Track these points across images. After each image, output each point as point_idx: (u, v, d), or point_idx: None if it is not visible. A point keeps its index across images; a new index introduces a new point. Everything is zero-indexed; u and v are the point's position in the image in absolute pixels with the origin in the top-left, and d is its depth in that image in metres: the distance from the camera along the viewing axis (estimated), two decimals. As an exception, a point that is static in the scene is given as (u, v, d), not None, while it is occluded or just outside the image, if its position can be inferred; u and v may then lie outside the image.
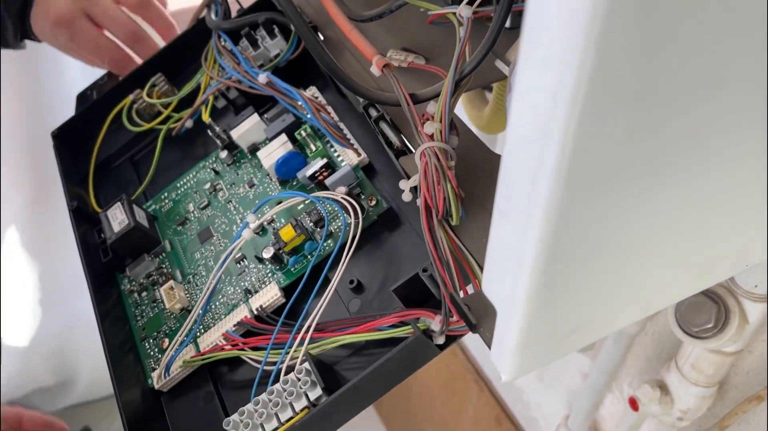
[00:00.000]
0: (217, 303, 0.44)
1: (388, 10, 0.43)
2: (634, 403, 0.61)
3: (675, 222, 0.23)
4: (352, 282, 0.41)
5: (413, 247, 0.41)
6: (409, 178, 0.36)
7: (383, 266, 0.42)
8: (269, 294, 0.42)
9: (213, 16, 0.53)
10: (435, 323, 0.34)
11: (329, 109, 0.48)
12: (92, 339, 1.16)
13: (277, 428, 0.35)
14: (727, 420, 0.57)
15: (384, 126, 0.39)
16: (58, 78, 0.82)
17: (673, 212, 0.23)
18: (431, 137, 0.35)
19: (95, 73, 0.61)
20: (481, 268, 0.32)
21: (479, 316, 0.30)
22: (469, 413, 1.17)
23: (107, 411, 1.18)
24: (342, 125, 0.47)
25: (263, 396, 0.36)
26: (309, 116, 0.45)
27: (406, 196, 0.36)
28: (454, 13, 0.38)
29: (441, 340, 0.35)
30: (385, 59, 0.38)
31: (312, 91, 0.50)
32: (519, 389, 1.02)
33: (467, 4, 0.37)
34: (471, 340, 1.09)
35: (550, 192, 0.19)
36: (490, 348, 0.28)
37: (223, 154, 0.50)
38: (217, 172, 0.51)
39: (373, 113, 0.39)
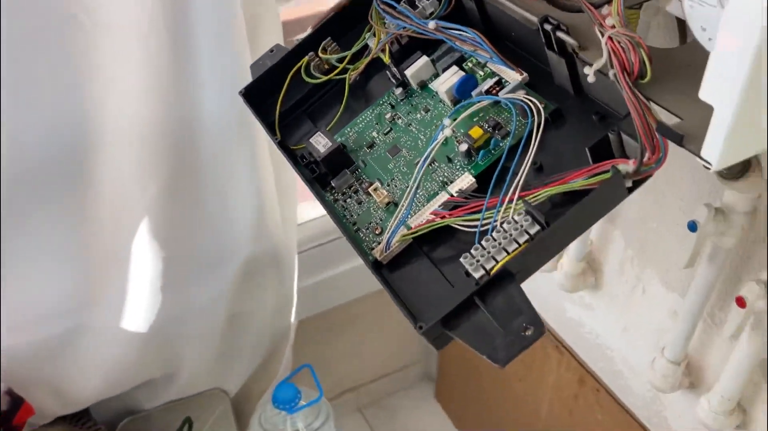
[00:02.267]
0: (419, 195, 0.54)
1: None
2: (741, 301, 0.70)
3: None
4: (535, 163, 0.51)
5: (583, 135, 0.51)
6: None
7: (558, 153, 0.52)
8: (465, 182, 0.52)
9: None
10: (630, 165, 0.44)
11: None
12: (200, 332, 1.26)
13: (505, 257, 0.45)
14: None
15: (561, 34, 0.50)
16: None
17: None
18: (612, 27, 0.46)
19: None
20: (672, 112, 0.42)
21: (682, 131, 0.40)
22: (550, 381, 1.24)
23: (207, 405, 1.26)
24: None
25: (489, 237, 0.46)
26: (474, 50, 0.57)
27: (591, 78, 0.47)
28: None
29: (629, 183, 0.45)
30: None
31: (470, 32, 0.61)
32: (603, 345, 1.10)
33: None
34: (549, 309, 1.18)
35: None
36: (699, 152, 0.38)
37: (398, 90, 0.61)
38: (393, 106, 0.62)
39: (548, 27, 0.50)
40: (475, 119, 0.55)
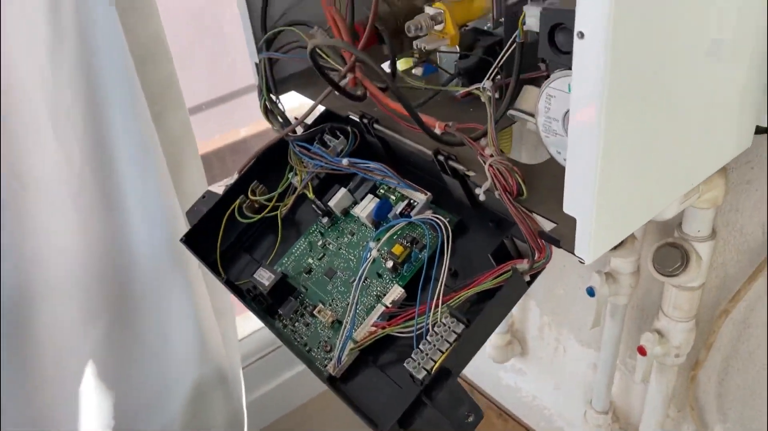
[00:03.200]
0: (359, 311, 0.62)
1: (428, 98, 0.67)
2: (642, 350, 0.81)
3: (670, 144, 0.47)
4: (450, 269, 0.61)
5: (483, 241, 0.62)
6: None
7: (467, 257, 0.62)
8: (395, 293, 0.61)
9: (290, 134, 0.75)
10: (525, 264, 0.55)
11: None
12: None
13: (441, 356, 0.54)
14: (710, 338, 0.79)
15: (452, 163, 0.61)
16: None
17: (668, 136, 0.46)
18: (490, 156, 0.57)
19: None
20: (548, 219, 0.53)
21: (559, 236, 0.51)
22: (499, 448, 1.31)
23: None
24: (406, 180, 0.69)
25: (424, 340, 0.55)
26: (383, 178, 0.67)
27: (482, 197, 0.58)
28: (478, 88, 0.62)
29: (528, 278, 0.56)
30: (444, 124, 0.61)
31: (376, 165, 0.72)
32: (540, 406, 1.19)
33: (488, 80, 0.61)
34: (486, 381, 1.26)
35: (601, 135, 0.41)
36: (573, 251, 0.49)
37: (324, 220, 0.71)
38: (322, 233, 0.71)
39: (441, 157, 0.61)
40: (395, 238, 0.65)
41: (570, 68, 0.49)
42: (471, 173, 0.61)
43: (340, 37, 0.68)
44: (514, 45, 0.57)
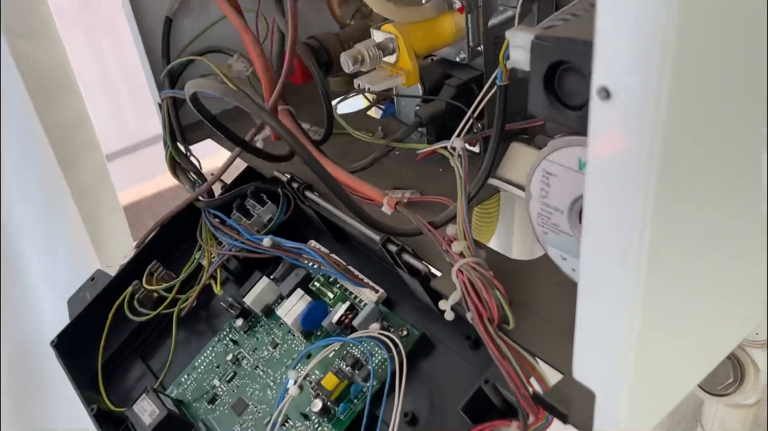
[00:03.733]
0: (272, 472, 0.43)
1: (375, 159, 0.48)
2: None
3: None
4: (406, 415, 0.41)
5: (456, 367, 0.42)
6: (446, 298, 0.38)
7: (430, 393, 0.43)
8: (325, 448, 0.42)
9: (201, 198, 0.55)
10: (513, 429, 0.35)
11: (333, 256, 0.50)
12: None
13: None
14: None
15: (407, 257, 0.41)
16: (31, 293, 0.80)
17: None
18: (461, 255, 0.38)
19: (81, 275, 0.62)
20: (551, 365, 0.34)
21: (566, 407, 0.31)
22: None
23: None
24: (350, 267, 0.49)
25: None
26: (319, 267, 0.48)
27: (449, 315, 0.38)
28: (445, 147, 0.42)
29: (519, 447, 0.36)
30: (396, 197, 0.41)
31: (313, 244, 0.52)
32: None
33: (457, 136, 0.41)
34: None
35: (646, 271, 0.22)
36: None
37: (238, 322, 0.51)
38: (235, 341, 0.51)
39: (392, 248, 0.42)
40: (328, 361, 0.45)
41: (581, 133, 0.30)
42: (435, 272, 0.41)
43: (260, 68, 0.49)
44: (494, 88, 0.37)
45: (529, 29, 0.33)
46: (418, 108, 0.48)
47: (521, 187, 0.41)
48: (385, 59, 0.45)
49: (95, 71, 1.14)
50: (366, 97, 0.45)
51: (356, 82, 0.45)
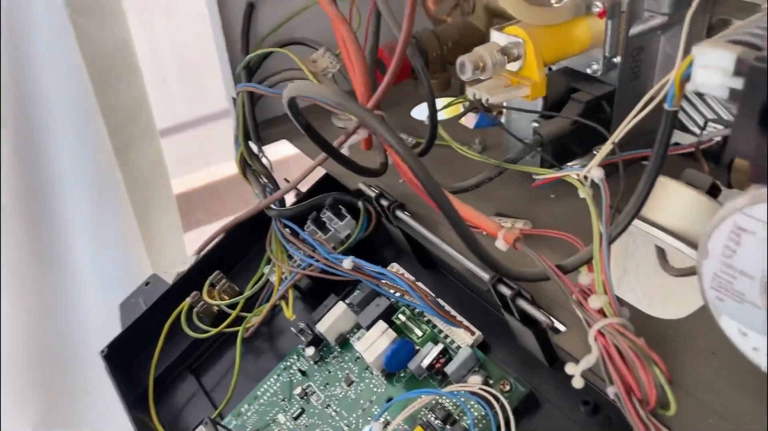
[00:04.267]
0: None
1: (487, 178, 0.41)
2: None
3: None
4: (509, 487, 0.35)
5: (567, 434, 0.36)
6: (576, 361, 0.32)
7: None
8: None
9: (273, 206, 0.50)
10: None
11: (420, 284, 0.44)
12: None
13: None
14: None
15: (523, 304, 0.35)
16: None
17: None
18: (600, 312, 0.31)
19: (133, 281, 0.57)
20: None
21: None
22: None
23: None
24: (440, 301, 0.43)
25: None
26: (411, 299, 0.42)
27: (578, 383, 0.32)
28: (578, 174, 0.36)
29: None
30: (516, 231, 0.35)
31: (396, 268, 0.46)
32: None
33: (597, 166, 0.35)
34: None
35: None
36: None
37: (309, 350, 0.45)
38: (303, 373, 0.45)
39: (505, 291, 0.36)
40: (416, 411, 0.39)
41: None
42: (556, 325, 0.35)
43: (352, 69, 0.43)
44: (650, 108, 0.31)
45: (730, 46, 0.26)
46: (537, 125, 0.42)
47: (671, 232, 0.34)
48: (507, 66, 0.38)
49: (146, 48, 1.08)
50: (482, 104, 0.38)
51: (470, 90, 0.39)
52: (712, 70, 0.26)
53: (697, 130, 0.43)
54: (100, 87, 0.71)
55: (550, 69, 0.44)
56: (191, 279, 0.52)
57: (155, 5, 1.04)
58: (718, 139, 0.40)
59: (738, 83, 0.25)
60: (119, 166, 0.75)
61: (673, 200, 0.35)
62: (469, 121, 0.55)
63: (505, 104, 0.44)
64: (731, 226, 0.26)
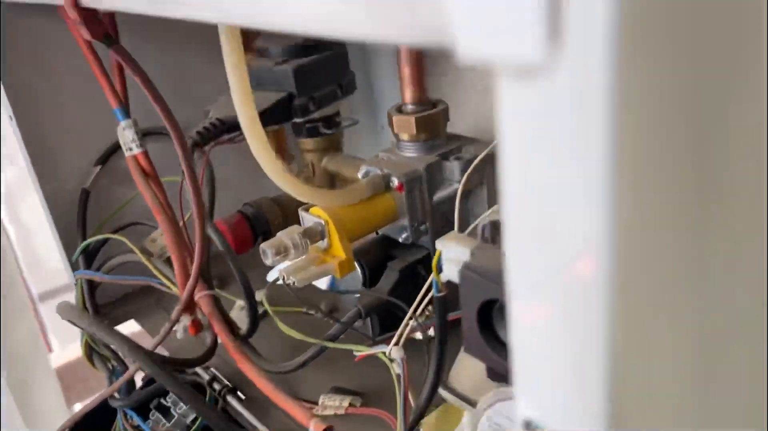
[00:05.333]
0: None
1: (309, 358, 0.41)
2: None
3: None
4: None
5: None
6: None
7: None
8: None
9: (116, 394, 0.48)
10: None
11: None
12: None
13: None
14: None
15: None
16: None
17: None
18: None
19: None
20: None
21: None
22: None
23: None
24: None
25: None
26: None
27: None
28: (384, 352, 0.36)
29: None
30: (322, 425, 0.34)
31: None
32: None
33: (395, 344, 0.35)
34: None
35: None
36: None
37: None
38: None
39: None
40: None
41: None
42: None
43: (171, 249, 0.43)
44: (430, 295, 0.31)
45: (466, 240, 0.27)
46: (357, 297, 0.42)
47: (472, 403, 0.34)
48: (315, 245, 0.39)
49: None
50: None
51: (279, 271, 0.39)
52: (453, 263, 0.27)
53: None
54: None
55: (377, 233, 0.45)
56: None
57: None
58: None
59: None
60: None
61: (471, 369, 0.35)
62: (323, 282, 0.56)
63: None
64: (488, 424, 0.26)
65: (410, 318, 0.35)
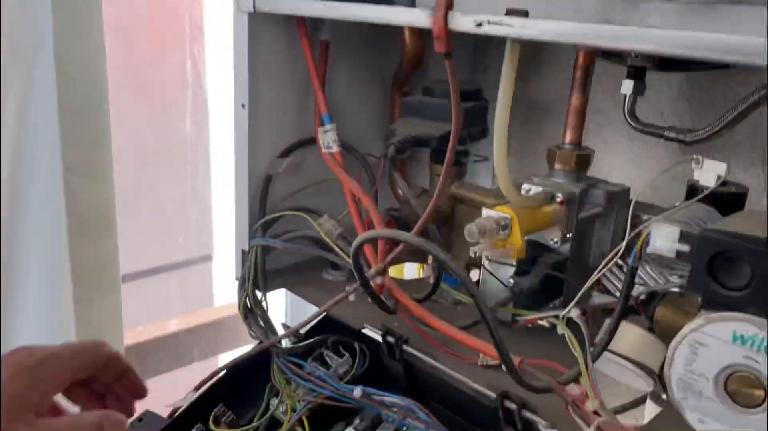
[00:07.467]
0: None
1: (482, 320, 0.52)
2: None
3: None
4: None
5: None
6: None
7: None
8: None
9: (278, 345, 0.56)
10: None
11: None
12: None
13: None
14: None
15: (527, 413, 0.44)
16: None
17: None
18: (595, 415, 0.41)
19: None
20: None
21: None
22: None
23: None
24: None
25: None
26: (413, 420, 0.49)
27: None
28: (557, 316, 0.48)
29: None
30: (518, 358, 0.45)
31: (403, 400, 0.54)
32: None
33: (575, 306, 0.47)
34: None
35: None
36: None
37: (321, 475, 0.50)
38: (315, 497, 0.50)
39: (510, 405, 0.45)
40: None
41: (738, 309, 0.36)
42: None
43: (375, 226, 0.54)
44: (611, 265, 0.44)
45: (673, 222, 0.40)
46: (513, 278, 0.54)
47: (634, 361, 0.46)
48: (498, 234, 0.51)
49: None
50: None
51: (473, 249, 0.51)
52: (665, 239, 0.40)
53: (617, 293, 0.57)
54: (74, 238, 0.76)
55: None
56: (190, 416, 0.55)
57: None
58: (643, 296, 0.54)
59: (683, 247, 0.40)
60: (74, 320, 0.77)
61: (627, 336, 0.48)
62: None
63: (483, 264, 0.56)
64: (691, 341, 0.39)
65: (592, 287, 0.47)
